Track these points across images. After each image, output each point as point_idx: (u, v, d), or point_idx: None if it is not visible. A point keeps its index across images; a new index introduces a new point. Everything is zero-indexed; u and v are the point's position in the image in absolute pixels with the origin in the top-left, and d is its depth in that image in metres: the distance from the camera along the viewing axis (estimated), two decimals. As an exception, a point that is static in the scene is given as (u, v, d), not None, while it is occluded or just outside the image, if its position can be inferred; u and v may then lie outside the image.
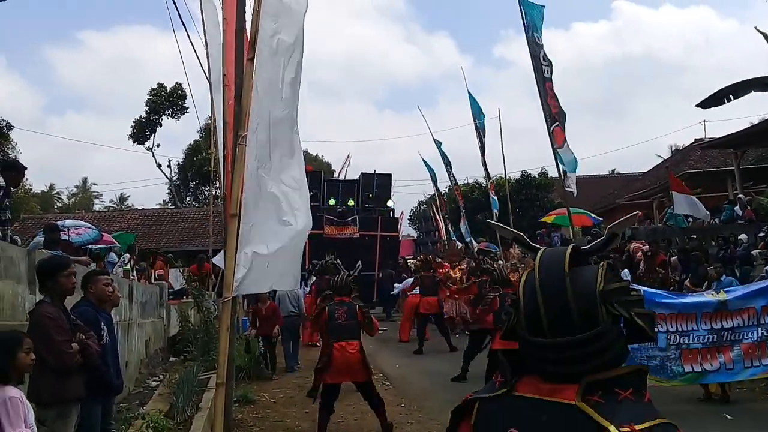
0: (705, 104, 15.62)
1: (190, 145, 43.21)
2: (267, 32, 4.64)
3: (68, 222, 14.06)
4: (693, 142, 30.12)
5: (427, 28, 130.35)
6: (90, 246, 14.23)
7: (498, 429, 1.52)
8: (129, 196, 55.09)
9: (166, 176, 43.35)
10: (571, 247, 1.57)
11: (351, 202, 22.95)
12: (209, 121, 24.14)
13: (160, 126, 40.39)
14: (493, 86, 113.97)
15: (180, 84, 37.40)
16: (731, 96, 14.99)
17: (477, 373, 10.66)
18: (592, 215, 24.11)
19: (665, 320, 7.75)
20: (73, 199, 56.04)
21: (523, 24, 14.67)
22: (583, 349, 1.45)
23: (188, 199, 45.61)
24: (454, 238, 28.40)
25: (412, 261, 24.02)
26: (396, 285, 19.35)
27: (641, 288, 8.27)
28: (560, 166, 14.49)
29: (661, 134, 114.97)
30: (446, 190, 33.27)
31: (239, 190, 4.50)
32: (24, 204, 36.56)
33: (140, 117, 39.94)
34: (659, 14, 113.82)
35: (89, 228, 14.41)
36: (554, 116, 14.45)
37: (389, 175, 24.36)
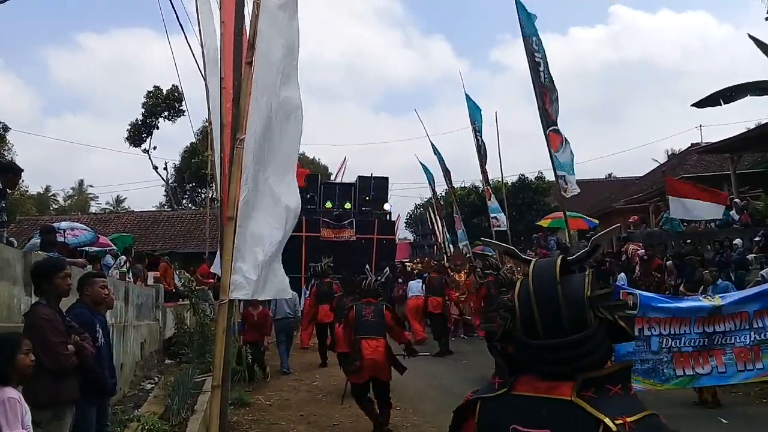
0: (701, 104, 15.68)
1: (186, 147, 43.23)
2: (265, 35, 4.65)
3: (64, 224, 14.02)
4: (689, 147, 30.21)
5: (424, 31, 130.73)
6: (86, 248, 14.22)
7: (501, 426, 1.63)
8: (125, 199, 55.07)
9: (163, 178, 43.36)
10: (560, 257, 1.72)
11: (348, 205, 22.94)
12: (206, 124, 24.17)
13: (157, 128, 40.43)
14: (489, 90, 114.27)
15: (176, 86, 37.41)
16: (727, 99, 15.05)
17: (477, 374, 10.71)
18: (589, 219, 24.19)
19: (659, 324, 7.78)
20: (69, 201, 55.95)
21: (521, 28, 14.75)
22: (575, 350, 1.60)
23: (185, 201, 45.58)
24: (450, 243, 28.43)
25: (409, 264, 24.05)
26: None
27: (638, 292, 8.30)
28: (557, 171, 14.56)
29: (657, 139, 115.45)
30: (443, 194, 33.31)
31: (236, 193, 4.50)
32: (20, 206, 36.50)
33: (136, 119, 39.93)
34: (656, 19, 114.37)
35: (85, 230, 14.38)
36: (551, 121, 14.51)
37: (386, 179, 24.37)
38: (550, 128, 14.33)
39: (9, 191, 8.24)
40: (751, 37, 15.26)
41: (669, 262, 14.21)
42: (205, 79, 7.11)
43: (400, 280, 18.50)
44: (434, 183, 28.04)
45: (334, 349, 10.35)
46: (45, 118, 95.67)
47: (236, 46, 5.08)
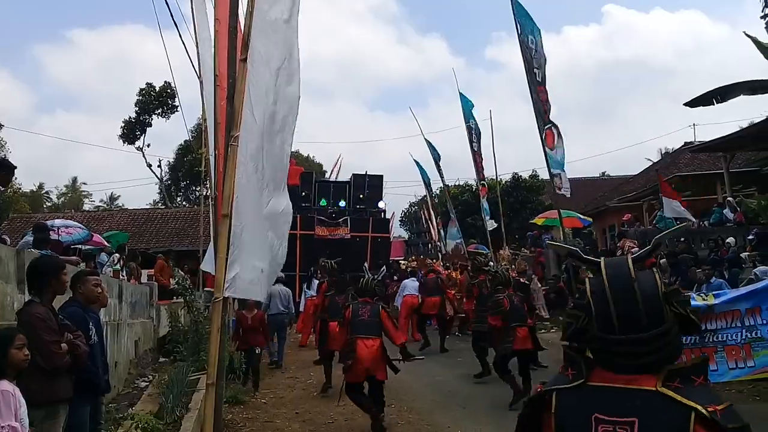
0: (693, 103, 15.74)
1: (180, 144, 43.10)
2: (260, 34, 4.64)
3: (58, 222, 14.00)
4: (683, 146, 30.26)
5: (419, 29, 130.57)
6: (80, 246, 14.18)
7: (582, 415, 1.70)
8: (119, 196, 54.92)
9: (156, 176, 43.24)
10: (630, 257, 1.84)
11: (342, 203, 22.94)
12: (200, 121, 24.11)
13: (150, 126, 40.28)
14: (484, 88, 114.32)
15: (169, 83, 37.29)
16: (720, 97, 15.11)
17: (472, 372, 10.72)
18: (582, 217, 24.23)
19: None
20: (62, 199, 55.73)
21: (516, 27, 14.77)
22: (657, 343, 1.69)
23: (179, 199, 45.47)
24: (445, 241, 28.46)
25: (404, 262, 24.06)
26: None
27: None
28: (552, 169, 14.58)
29: (651, 137, 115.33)
30: (437, 192, 33.34)
31: (231, 191, 4.50)
32: (13, 203, 36.31)
33: (130, 117, 39.80)
34: (649, 18, 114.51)
35: (79, 228, 14.36)
36: (546, 119, 14.53)
37: (380, 176, 24.39)
38: (547, 126, 14.37)
39: (2, 189, 8.21)
40: (747, 35, 15.34)
41: (663, 261, 14.25)
42: (199, 77, 7.11)
43: (395, 278, 18.53)
44: (429, 181, 28.06)
45: (326, 347, 10.35)
46: (38, 115, 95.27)
47: (230, 43, 5.07)
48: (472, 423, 8.06)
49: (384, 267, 10.95)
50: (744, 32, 15.60)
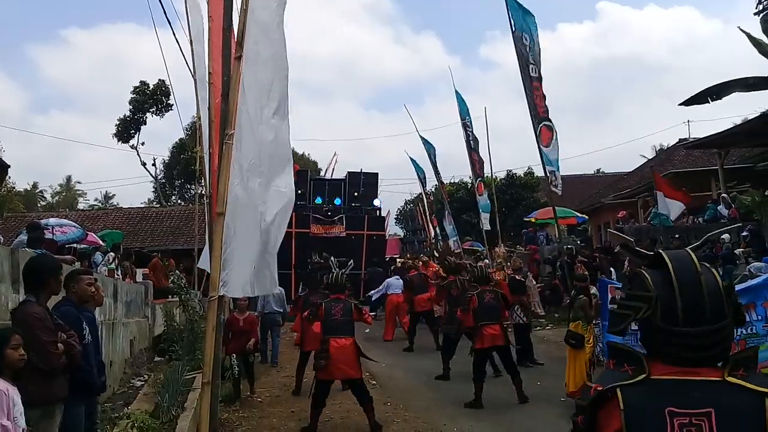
0: (688, 103, 15.77)
1: (175, 143, 43.03)
2: (253, 33, 4.63)
3: (53, 221, 13.96)
4: (677, 142, 30.34)
5: (415, 28, 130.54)
6: (74, 245, 14.13)
7: (653, 410, 1.67)
8: (114, 195, 54.78)
9: (151, 175, 43.12)
10: (691, 250, 1.87)
11: (338, 201, 22.92)
12: (195, 120, 24.05)
13: (145, 124, 40.16)
14: (479, 87, 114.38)
15: (163, 81, 37.19)
16: (714, 96, 15.13)
17: (467, 370, 10.73)
18: (577, 214, 24.29)
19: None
20: (56, 198, 55.57)
21: (510, 25, 14.77)
22: (720, 335, 1.72)
23: (174, 197, 45.38)
24: (440, 238, 28.48)
25: (400, 260, 24.07)
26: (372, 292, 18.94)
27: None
28: (546, 167, 14.61)
29: (645, 134, 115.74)
30: (432, 190, 33.37)
31: (226, 189, 4.48)
32: (7, 202, 36.18)
33: (125, 115, 39.67)
34: (643, 15, 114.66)
35: (74, 227, 14.32)
36: (541, 115, 14.55)
37: (376, 174, 24.36)
38: (542, 123, 14.38)
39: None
40: (741, 30, 15.37)
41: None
42: (193, 75, 7.08)
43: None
44: (425, 179, 28.07)
45: (303, 347, 10.29)
46: (32, 114, 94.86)
47: (224, 41, 5.05)
48: (468, 420, 8.07)
49: (351, 261, 10.72)
50: (738, 27, 15.63)
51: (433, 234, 30.23)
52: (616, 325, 1.91)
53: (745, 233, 14.37)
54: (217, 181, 4.66)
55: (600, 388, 1.74)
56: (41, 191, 54.81)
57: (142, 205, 41.91)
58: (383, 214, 26.76)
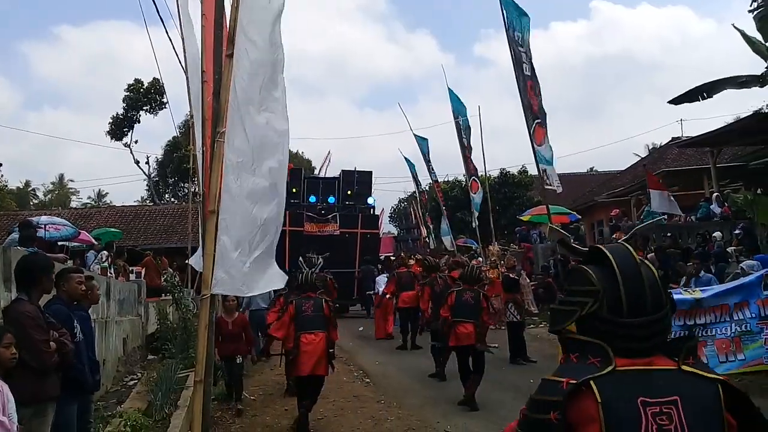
0: (677, 101, 15.78)
1: (169, 141, 42.90)
2: (245, 29, 4.62)
3: (44, 218, 13.92)
4: (670, 141, 30.45)
5: (408, 26, 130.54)
6: (66, 243, 14.10)
7: (627, 401, 1.69)
8: (107, 194, 54.59)
9: (144, 173, 43.00)
10: (627, 244, 1.91)
11: (331, 200, 22.89)
12: (188, 118, 24.00)
13: (138, 122, 40.02)
14: (473, 85, 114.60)
15: (157, 79, 37.07)
16: (705, 94, 15.16)
17: (452, 369, 10.72)
18: (571, 212, 24.33)
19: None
20: (49, 196, 55.37)
21: (504, 23, 14.77)
22: (661, 324, 1.78)
23: (167, 195, 45.25)
24: (433, 236, 28.51)
25: (394, 258, 24.07)
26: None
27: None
28: (540, 165, 14.61)
29: (638, 133, 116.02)
30: (426, 188, 33.39)
31: (218, 187, 4.47)
32: (-1, 200, 36.05)
33: (118, 113, 39.53)
34: (636, 14, 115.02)
35: (66, 225, 14.30)
36: (535, 114, 14.55)
37: (370, 173, 24.35)
38: (536, 121, 14.39)
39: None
40: (735, 27, 15.40)
41: (650, 255, 14.34)
42: (186, 73, 7.05)
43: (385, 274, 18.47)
44: (417, 177, 28.09)
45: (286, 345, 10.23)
46: (25, 112, 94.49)
47: (216, 39, 5.04)
48: (461, 418, 8.07)
49: (321, 259, 10.62)
50: (732, 25, 15.65)
51: (425, 233, 30.26)
52: (559, 322, 1.91)
53: (737, 231, 14.44)
54: (209, 180, 4.65)
55: (573, 381, 1.71)
56: (33, 189, 54.72)
57: (136, 204, 41.78)
58: (377, 212, 26.76)
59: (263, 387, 10.41)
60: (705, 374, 1.73)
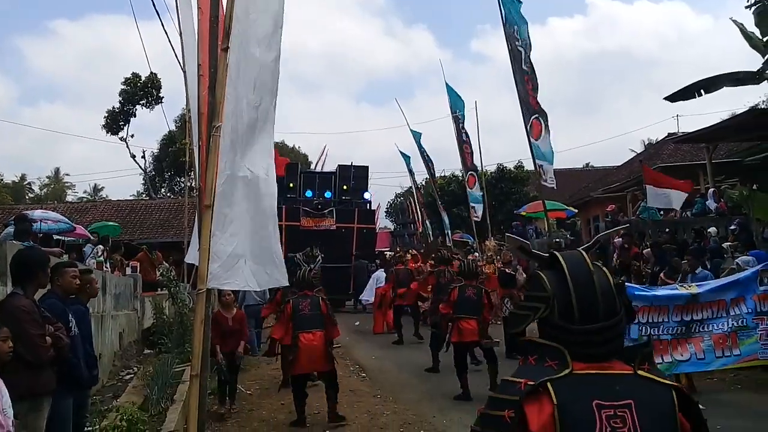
0: (673, 98, 15.79)
1: (165, 135, 42.74)
2: (241, 21, 4.60)
3: (37, 213, 13.89)
4: (666, 137, 30.49)
5: (406, 21, 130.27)
6: (62, 238, 14.07)
7: (582, 403, 1.72)
8: (103, 188, 54.49)
9: (140, 167, 42.86)
10: (583, 251, 1.94)
11: (328, 194, 22.86)
12: (184, 112, 23.92)
13: (134, 116, 39.87)
14: (470, 80, 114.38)
15: (155, 74, 36.93)
16: (702, 91, 15.17)
17: (448, 364, 10.73)
18: (567, 207, 24.37)
19: (638, 312, 7.89)
20: (45, 190, 55.25)
21: (501, 18, 14.74)
22: (616, 331, 1.80)
23: (163, 190, 45.14)
24: (430, 231, 28.47)
25: (390, 253, 24.05)
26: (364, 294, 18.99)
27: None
28: (536, 160, 14.61)
29: (635, 128, 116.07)
30: (423, 183, 33.36)
31: (214, 181, 4.46)
32: (-6, 195, 35.95)
33: (114, 107, 39.36)
34: (633, 9, 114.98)
35: (60, 220, 14.28)
36: (532, 108, 14.54)
37: (366, 167, 24.31)
38: (533, 116, 14.37)
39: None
40: (734, 21, 15.41)
41: (646, 251, 14.36)
42: (182, 67, 7.04)
43: (381, 269, 18.48)
44: (414, 172, 28.08)
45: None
46: (20, 106, 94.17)
47: (212, 32, 5.02)
48: (457, 413, 8.09)
49: (320, 256, 10.68)
50: (731, 19, 15.66)
51: (421, 228, 30.24)
52: (515, 325, 1.98)
53: (733, 227, 14.45)
54: (205, 174, 4.64)
55: (531, 383, 1.75)
56: (29, 183, 54.59)
57: (132, 198, 41.69)
58: (374, 207, 26.74)
59: (259, 381, 10.41)
60: (660, 380, 1.78)
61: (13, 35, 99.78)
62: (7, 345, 3.86)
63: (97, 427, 6.28)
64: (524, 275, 17.15)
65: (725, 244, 13.92)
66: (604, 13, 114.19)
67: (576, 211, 25.92)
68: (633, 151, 39.88)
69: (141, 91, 38.62)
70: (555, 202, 22.08)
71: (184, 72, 7.12)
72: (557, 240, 17.94)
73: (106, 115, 39.62)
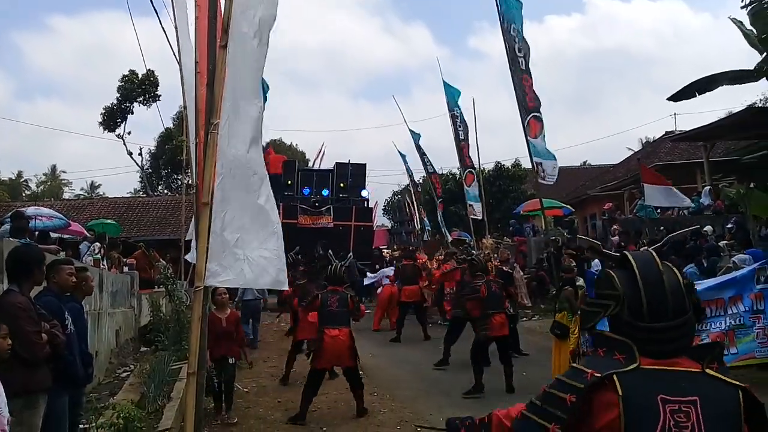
0: (675, 98, 15.81)
1: (162, 132, 42.65)
2: (239, 17, 4.58)
3: (30, 210, 13.85)
4: (663, 135, 30.50)
5: (403, 18, 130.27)
6: (59, 235, 14.03)
7: (647, 397, 1.78)
8: (100, 185, 54.37)
9: (138, 164, 42.75)
10: (653, 250, 2.02)
11: (325, 192, 22.86)
12: (182, 109, 23.87)
13: (132, 113, 39.73)
14: (468, 78, 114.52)
15: (152, 71, 36.82)
16: (701, 90, 15.19)
17: (457, 359, 10.75)
18: (564, 205, 24.38)
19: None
20: (41, 187, 55.11)
21: (499, 16, 14.75)
22: (684, 329, 1.87)
23: (160, 187, 45.06)
24: (428, 229, 28.49)
25: (387, 251, 24.05)
26: (369, 275, 19.14)
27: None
28: (534, 158, 14.63)
29: (632, 127, 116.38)
30: (420, 181, 33.35)
31: (211, 179, 4.45)
32: (-9, 191, 35.87)
33: (111, 104, 39.24)
34: (631, 8, 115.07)
35: (55, 216, 14.25)
36: (530, 107, 14.56)
37: (364, 165, 24.34)
38: (531, 114, 14.39)
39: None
40: (732, 19, 15.43)
41: (643, 249, 14.36)
42: (179, 64, 7.02)
43: (377, 267, 18.52)
44: (412, 173, 28.06)
45: (296, 335, 10.34)
46: (17, 102, 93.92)
47: (210, 29, 5.00)
48: (454, 410, 8.06)
49: (351, 254, 10.96)
50: (729, 17, 15.69)
51: (419, 225, 30.25)
52: (587, 322, 2.05)
53: (729, 225, 14.48)
54: (203, 171, 4.63)
55: (597, 374, 1.81)
56: (26, 180, 54.46)
57: (129, 195, 41.60)
58: (371, 205, 26.75)
59: (256, 379, 10.40)
60: (728, 380, 1.82)
61: (9, 31, 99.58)
62: (7, 342, 3.85)
63: (94, 424, 6.26)
64: (521, 273, 17.21)
65: (722, 243, 13.95)
66: (602, 11, 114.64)
67: (573, 209, 25.92)
68: (630, 149, 39.93)
69: (138, 88, 38.52)
70: (552, 200, 22.11)
71: (181, 68, 7.12)
72: (554, 238, 18.00)
73: (104, 111, 39.49)
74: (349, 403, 8.38)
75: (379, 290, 17.15)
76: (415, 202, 31.07)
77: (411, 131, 24.94)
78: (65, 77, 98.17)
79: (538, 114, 14.57)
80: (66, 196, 50.88)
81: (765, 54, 14.66)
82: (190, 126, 6.51)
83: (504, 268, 13.13)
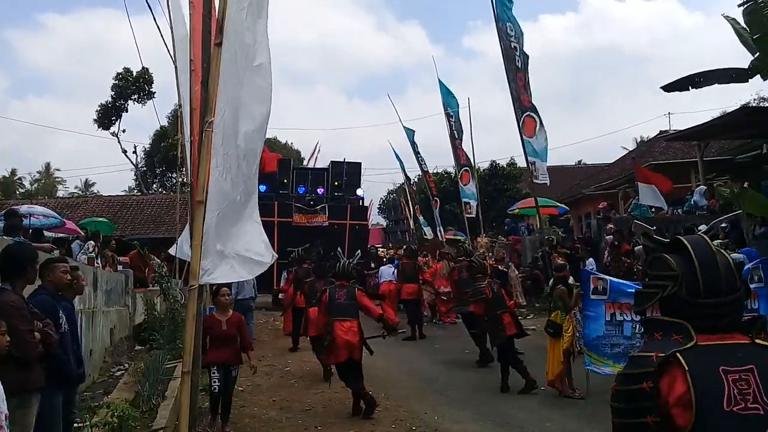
0: (669, 88, 15.87)
1: (156, 130, 42.56)
2: (234, 16, 4.57)
3: (24, 208, 13.81)
4: (658, 134, 30.57)
5: (398, 17, 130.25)
6: (52, 234, 13.99)
7: (710, 370, 1.90)
8: (94, 183, 54.17)
9: (132, 162, 42.66)
10: (706, 235, 2.20)
11: (320, 191, 22.84)
12: (176, 107, 23.83)
13: (126, 111, 39.65)
14: (463, 76, 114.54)
15: (147, 68, 36.75)
16: (696, 84, 15.25)
17: (450, 359, 10.76)
18: (559, 204, 24.43)
19: (631, 310, 7.86)
20: (35, 185, 54.87)
21: (494, 14, 14.76)
22: (737, 305, 2.02)
23: (155, 185, 44.96)
24: (425, 228, 28.51)
25: (383, 250, 24.05)
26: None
27: (608, 278, 8.41)
28: (528, 157, 14.65)
29: (627, 126, 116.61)
30: (416, 179, 33.37)
31: (206, 177, 4.44)
32: (-16, 190, 35.71)
33: (105, 102, 39.15)
34: (625, 6, 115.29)
35: (49, 215, 14.21)
36: (525, 106, 14.57)
37: (359, 164, 24.31)
38: (526, 113, 14.41)
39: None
40: (726, 17, 15.48)
41: (638, 248, 14.41)
42: (174, 62, 7.00)
43: (372, 265, 18.47)
44: (406, 169, 28.07)
45: (307, 333, 10.42)
46: (10, 100, 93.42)
47: (204, 27, 4.99)
48: (449, 409, 8.11)
49: (359, 252, 11.21)
50: (723, 15, 15.75)
51: (414, 224, 30.27)
52: (642, 303, 2.16)
53: (724, 225, 14.52)
54: (197, 169, 4.61)
55: (662, 354, 1.93)
56: (20, 178, 54.14)
57: (123, 193, 41.48)
58: (366, 203, 26.73)
59: (250, 378, 10.38)
60: None
61: (2, 28, 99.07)
62: (5, 338, 3.83)
63: (88, 423, 6.25)
64: (516, 272, 17.25)
65: (716, 242, 13.99)
66: (595, 10, 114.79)
67: (568, 208, 25.98)
68: (625, 148, 39.99)
69: (133, 86, 38.44)
70: (547, 199, 22.14)
71: (176, 67, 7.09)
72: (549, 237, 18.04)
73: (98, 109, 39.41)
74: (344, 401, 8.38)
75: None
76: (410, 201, 31.07)
77: (405, 128, 24.98)
78: (59, 75, 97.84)
79: (533, 113, 14.59)
80: (60, 194, 50.74)
81: (758, 53, 14.72)
82: (185, 124, 6.49)
83: (499, 267, 13.17)
